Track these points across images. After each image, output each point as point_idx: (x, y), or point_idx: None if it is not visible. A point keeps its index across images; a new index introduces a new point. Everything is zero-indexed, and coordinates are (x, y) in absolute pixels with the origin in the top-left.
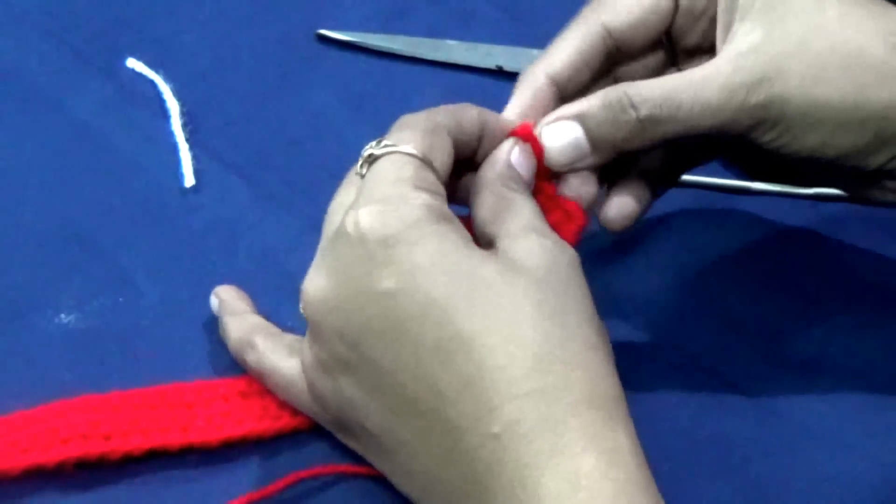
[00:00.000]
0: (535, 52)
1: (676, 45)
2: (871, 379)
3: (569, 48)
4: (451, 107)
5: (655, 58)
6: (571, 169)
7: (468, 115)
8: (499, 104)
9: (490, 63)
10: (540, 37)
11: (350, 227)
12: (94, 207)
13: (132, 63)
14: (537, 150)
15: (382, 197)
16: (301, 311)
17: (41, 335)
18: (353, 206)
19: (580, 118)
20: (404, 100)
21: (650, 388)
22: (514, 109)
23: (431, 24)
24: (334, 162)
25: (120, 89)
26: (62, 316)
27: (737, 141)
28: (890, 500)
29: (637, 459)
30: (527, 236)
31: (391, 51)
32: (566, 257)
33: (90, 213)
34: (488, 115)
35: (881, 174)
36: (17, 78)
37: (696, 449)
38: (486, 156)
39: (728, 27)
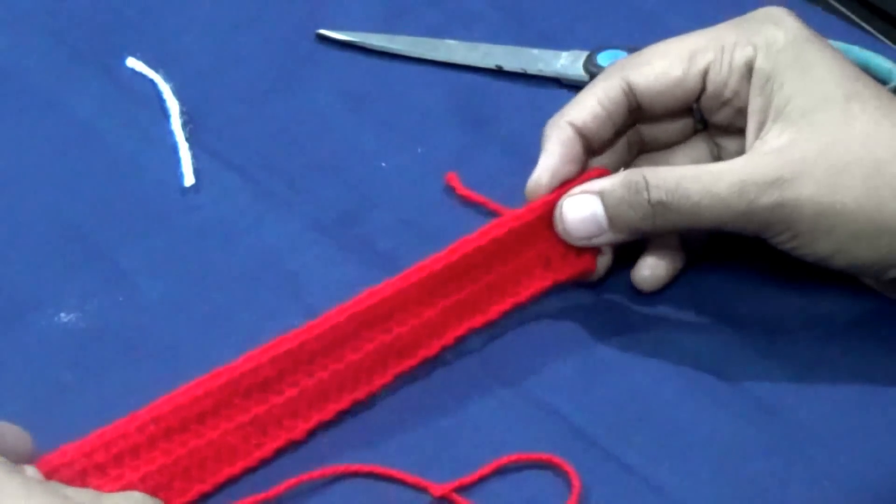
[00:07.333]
0: (535, 51)
1: (707, 119)
2: (871, 378)
3: (592, 99)
4: None
5: (683, 124)
6: (589, 244)
7: None
8: (498, 104)
9: (490, 63)
10: (540, 37)
11: None
12: (94, 207)
13: (132, 62)
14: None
15: None
16: None
17: (41, 335)
18: None
19: (601, 194)
20: (404, 100)
21: (650, 387)
22: (549, 161)
23: (431, 24)
24: (334, 162)
25: (119, 89)
26: (62, 315)
27: (755, 239)
28: (890, 500)
29: None
30: None
31: (391, 51)
32: None
33: (90, 212)
34: None
35: None
36: (16, 77)
37: (696, 449)
38: None
39: (760, 126)
